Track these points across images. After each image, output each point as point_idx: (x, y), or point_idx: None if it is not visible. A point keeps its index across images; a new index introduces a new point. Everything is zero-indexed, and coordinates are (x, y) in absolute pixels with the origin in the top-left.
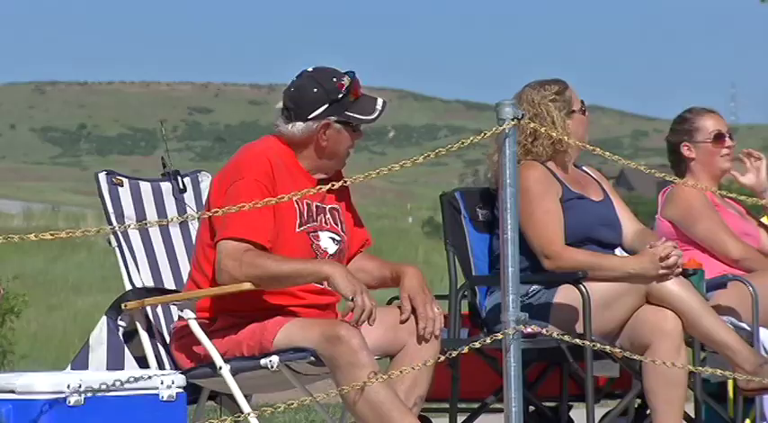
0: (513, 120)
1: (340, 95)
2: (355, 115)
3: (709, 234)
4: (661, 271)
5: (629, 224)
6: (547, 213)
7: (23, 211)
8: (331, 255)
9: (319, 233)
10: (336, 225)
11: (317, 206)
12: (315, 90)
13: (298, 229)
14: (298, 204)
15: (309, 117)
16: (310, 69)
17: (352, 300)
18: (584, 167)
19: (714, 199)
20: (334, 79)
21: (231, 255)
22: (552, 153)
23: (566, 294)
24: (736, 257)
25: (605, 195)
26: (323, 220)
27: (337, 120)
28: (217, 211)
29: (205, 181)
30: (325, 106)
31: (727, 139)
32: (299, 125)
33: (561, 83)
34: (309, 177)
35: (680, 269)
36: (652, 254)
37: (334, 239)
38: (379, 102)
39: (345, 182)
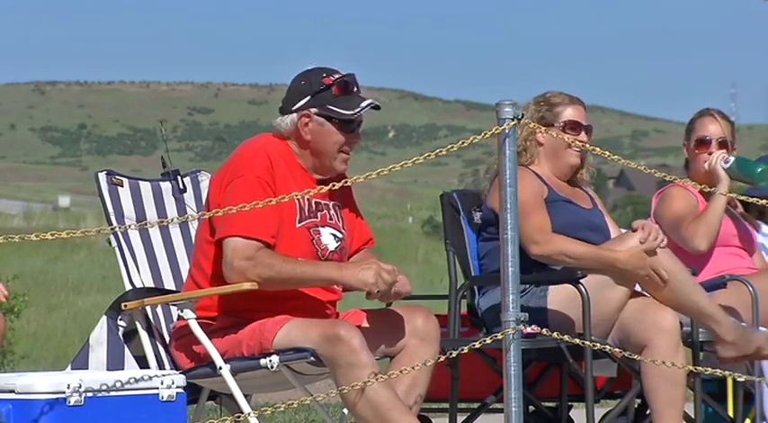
0: (513, 120)
1: (321, 87)
2: (335, 108)
3: (679, 227)
4: (642, 272)
5: (613, 232)
6: (535, 204)
7: (23, 211)
8: (332, 251)
9: (320, 229)
10: (338, 222)
11: (316, 202)
12: (302, 82)
13: (298, 225)
14: (298, 200)
15: (293, 108)
16: (311, 67)
17: (378, 292)
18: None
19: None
20: (324, 75)
21: (243, 254)
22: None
23: (564, 294)
24: (702, 247)
25: (595, 207)
26: (324, 216)
27: (318, 112)
28: (218, 212)
29: (205, 180)
30: (307, 98)
31: (712, 146)
32: (286, 118)
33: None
34: (309, 175)
35: (665, 240)
36: (639, 250)
37: (335, 236)
38: (366, 102)
39: (346, 182)
